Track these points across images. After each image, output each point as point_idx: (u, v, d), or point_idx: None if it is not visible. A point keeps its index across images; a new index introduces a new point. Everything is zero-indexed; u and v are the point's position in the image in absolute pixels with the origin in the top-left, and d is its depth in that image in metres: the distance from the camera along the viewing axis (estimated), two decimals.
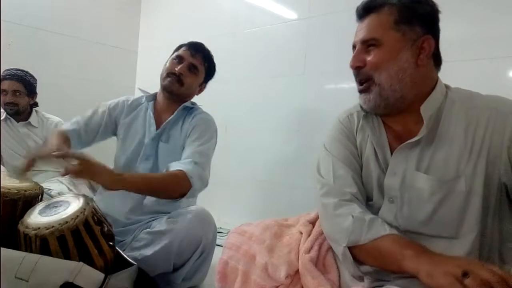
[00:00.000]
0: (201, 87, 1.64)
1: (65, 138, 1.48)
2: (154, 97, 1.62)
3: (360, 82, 0.92)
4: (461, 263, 0.65)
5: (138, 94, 1.70)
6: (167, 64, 1.55)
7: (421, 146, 0.86)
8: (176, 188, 1.30)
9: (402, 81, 0.85)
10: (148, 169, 1.49)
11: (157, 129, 1.53)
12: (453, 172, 0.81)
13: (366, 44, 0.89)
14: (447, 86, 0.91)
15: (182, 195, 1.31)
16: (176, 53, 1.56)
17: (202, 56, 1.56)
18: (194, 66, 1.54)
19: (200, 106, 1.64)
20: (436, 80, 0.90)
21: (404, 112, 0.90)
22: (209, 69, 1.62)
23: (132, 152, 1.52)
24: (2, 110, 2.26)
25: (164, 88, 1.55)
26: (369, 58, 0.88)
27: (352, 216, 0.84)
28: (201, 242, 1.30)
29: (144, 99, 1.62)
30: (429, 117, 0.85)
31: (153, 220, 1.42)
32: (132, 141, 1.54)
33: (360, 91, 0.92)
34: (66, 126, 1.56)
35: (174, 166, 1.34)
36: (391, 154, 0.90)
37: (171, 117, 1.53)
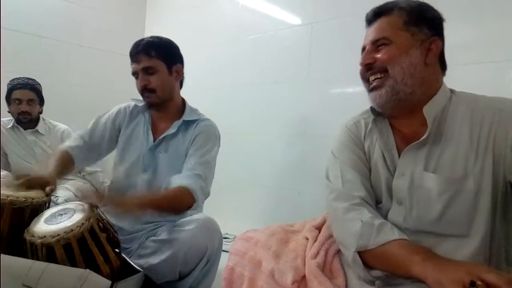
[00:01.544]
0: (174, 71, 1.51)
1: (66, 160, 1.46)
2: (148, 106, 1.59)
3: (368, 79, 0.94)
4: (469, 269, 0.65)
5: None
6: (136, 86, 1.52)
7: (428, 147, 0.87)
8: (180, 205, 1.32)
9: (413, 76, 0.88)
10: (147, 180, 1.47)
11: (154, 139, 1.50)
12: (461, 171, 0.82)
13: (376, 44, 0.92)
14: (452, 90, 0.93)
15: (186, 210, 1.33)
16: (131, 72, 1.52)
17: (144, 54, 1.45)
18: (147, 68, 1.45)
19: (201, 113, 1.60)
20: (441, 84, 0.92)
21: (411, 114, 0.91)
22: (162, 53, 1.47)
23: (131, 163, 1.50)
24: (3, 118, 2.29)
25: (148, 106, 1.53)
26: (379, 55, 0.91)
27: (361, 221, 0.84)
28: (207, 250, 1.29)
29: (140, 110, 1.59)
30: (433, 118, 0.87)
31: (159, 227, 1.42)
32: (132, 151, 1.52)
33: (372, 89, 0.93)
34: (69, 143, 1.54)
35: (177, 181, 1.33)
36: (399, 156, 0.91)
37: (169, 132, 1.49)
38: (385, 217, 0.90)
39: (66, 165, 1.45)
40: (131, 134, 1.56)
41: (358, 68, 2.10)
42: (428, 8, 0.91)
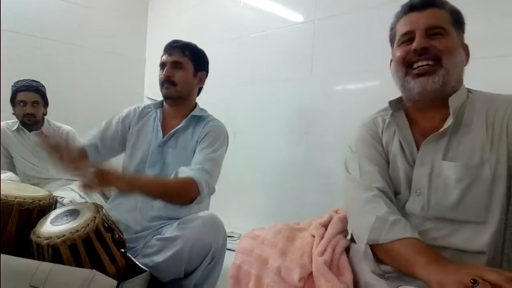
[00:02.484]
0: (199, 76, 1.61)
1: (82, 152, 1.49)
2: (161, 104, 1.64)
3: (411, 64, 0.93)
4: (471, 271, 0.66)
5: (147, 101, 1.72)
6: (159, 77, 1.58)
7: (447, 138, 0.90)
8: (185, 194, 1.33)
9: (459, 73, 0.92)
10: (155, 175, 1.50)
11: (163, 136, 1.54)
12: (478, 159, 0.85)
13: (431, 32, 0.92)
14: (469, 90, 0.96)
15: (190, 201, 1.33)
16: (159, 63, 1.59)
17: (179, 49, 1.54)
18: (176, 62, 1.53)
19: (210, 114, 1.64)
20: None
21: (436, 108, 0.93)
22: (194, 56, 1.57)
23: (140, 159, 1.54)
24: (9, 120, 2.30)
25: (164, 98, 1.58)
26: (435, 43, 0.90)
27: (376, 216, 0.86)
28: (211, 248, 1.30)
29: (153, 106, 1.64)
30: (454, 109, 0.89)
31: (164, 226, 1.42)
32: (141, 148, 1.55)
33: (424, 73, 0.91)
34: (85, 141, 1.58)
35: (184, 172, 1.35)
36: (417, 149, 0.93)
37: (179, 126, 1.54)
38: (403, 207, 0.92)
39: (83, 159, 1.46)
40: (140, 131, 1.59)
41: (360, 65, 2.09)
42: (463, 17, 0.96)
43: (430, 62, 0.90)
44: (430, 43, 0.90)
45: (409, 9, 0.96)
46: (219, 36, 2.84)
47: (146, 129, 1.59)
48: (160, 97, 1.65)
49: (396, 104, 1.01)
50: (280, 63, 2.44)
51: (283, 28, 2.44)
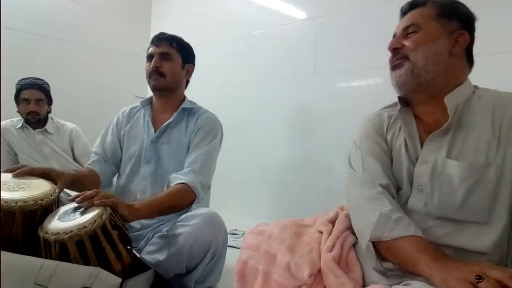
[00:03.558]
0: (186, 68, 1.61)
1: (91, 174, 1.51)
2: (149, 101, 1.64)
3: (394, 62, 0.98)
4: (474, 268, 0.66)
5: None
6: (146, 69, 1.57)
7: (451, 135, 0.89)
8: (183, 203, 1.36)
9: (436, 64, 0.91)
10: (151, 172, 1.51)
11: (155, 131, 1.54)
12: (483, 158, 0.84)
13: (406, 31, 0.96)
14: (476, 86, 0.96)
15: (189, 205, 1.37)
16: (147, 55, 1.59)
17: (167, 41, 1.55)
18: (163, 53, 1.53)
19: (201, 106, 1.64)
20: (466, 79, 0.96)
21: (435, 102, 0.94)
22: (181, 48, 1.58)
23: (135, 158, 1.54)
24: (13, 118, 2.31)
25: (152, 89, 1.57)
26: (407, 42, 0.95)
27: (380, 213, 0.86)
28: (212, 245, 1.30)
29: (140, 104, 1.64)
30: (454, 107, 0.90)
31: (163, 223, 1.44)
32: (134, 147, 1.56)
33: (393, 68, 0.97)
34: (88, 163, 1.58)
35: (177, 179, 1.37)
36: (421, 146, 0.93)
37: (170, 120, 1.53)
38: (404, 203, 0.92)
39: (91, 180, 1.48)
40: (131, 130, 1.60)
41: (363, 62, 2.09)
42: (460, 5, 0.96)
43: (398, 60, 0.96)
44: (401, 43, 0.96)
45: (400, 15, 1.02)
46: (222, 33, 2.84)
47: (137, 127, 1.59)
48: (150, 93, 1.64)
49: (404, 100, 1.01)
50: (283, 60, 2.44)
51: (286, 25, 2.44)
